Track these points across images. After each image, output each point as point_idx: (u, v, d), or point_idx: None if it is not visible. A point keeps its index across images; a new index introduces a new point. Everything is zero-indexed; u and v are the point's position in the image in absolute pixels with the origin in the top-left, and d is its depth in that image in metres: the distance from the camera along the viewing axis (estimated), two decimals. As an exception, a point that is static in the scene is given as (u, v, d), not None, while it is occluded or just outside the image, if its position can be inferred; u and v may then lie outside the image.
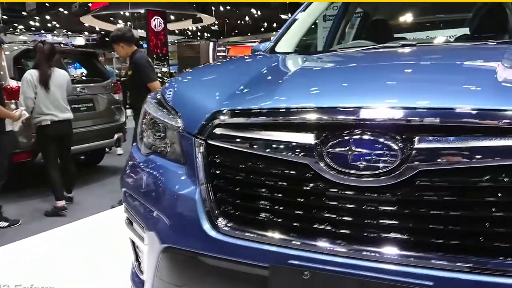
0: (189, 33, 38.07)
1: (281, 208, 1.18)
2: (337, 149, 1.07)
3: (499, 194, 0.97)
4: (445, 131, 1.01)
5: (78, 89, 5.43)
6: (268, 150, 1.17)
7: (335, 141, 1.08)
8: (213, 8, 28.86)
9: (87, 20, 28.47)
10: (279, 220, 1.18)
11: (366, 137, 1.05)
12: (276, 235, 1.16)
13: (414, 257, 1.02)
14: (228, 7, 29.42)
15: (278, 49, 2.53)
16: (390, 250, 1.04)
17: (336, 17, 3.86)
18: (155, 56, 22.19)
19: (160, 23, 23.03)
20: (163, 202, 1.37)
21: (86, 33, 33.34)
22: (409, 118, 1.03)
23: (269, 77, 1.54)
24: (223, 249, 1.22)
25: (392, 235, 1.05)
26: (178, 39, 38.77)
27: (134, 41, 4.56)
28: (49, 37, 31.76)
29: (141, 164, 1.54)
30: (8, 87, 4.63)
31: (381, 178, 1.04)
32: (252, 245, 1.18)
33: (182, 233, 1.30)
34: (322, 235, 1.11)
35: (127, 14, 28.15)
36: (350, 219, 1.09)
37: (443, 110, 1.02)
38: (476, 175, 0.99)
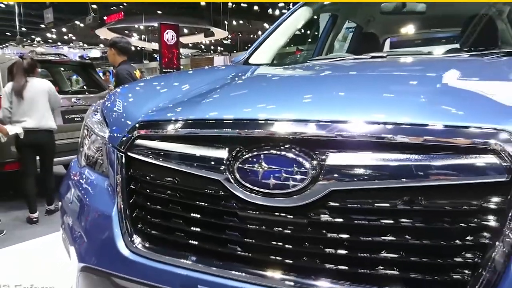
0: (203, 46, 38.47)
1: (194, 228, 1.09)
2: (247, 165, 0.98)
3: (413, 219, 0.87)
4: (358, 148, 0.91)
5: (73, 99, 5.44)
6: (182, 164, 1.09)
7: (245, 157, 0.99)
8: (226, 22, 29.16)
9: (102, 33, 29.03)
10: (191, 241, 1.09)
11: (276, 152, 0.96)
12: (187, 257, 1.07)
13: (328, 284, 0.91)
14: (241, 21, 29.68)
15: (252, 60, 2.47)
16: (303, 279, 0.94)
17: (324, 29, 3.80)
18: (165, 68, 22.49)
19: (172, 36, 23.33)
20: (83, 217, 1.29)
21: (101, 45, 33.94)
22: (320, 133, 0.93)
23: (209, 88, 1.46)
24: (137, 270, 1.13)
25: (304, 262, 0.95)
26: (191, 53, 39.23)
27: (126, 53, 4.58)
28: (65, 49, 32.47)
29: (73, 176, 1.47)
30: (1, 96, 4.65)
31: (291, 198, 0.94)
32: (165, 268, 1.09)
33: (98, 252, 1.22)
34: (233, 260, 1.02)
35: (141, 27, 28.63)
36: (261, 243, 1.00)
37: (356, 124, 0.92)
38: (393, 196, 0.89)
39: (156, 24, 24.35)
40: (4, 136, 4.02)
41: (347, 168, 0.90)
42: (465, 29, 2.64)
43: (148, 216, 1.16)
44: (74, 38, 32.16)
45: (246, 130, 1.01)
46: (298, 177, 0.93)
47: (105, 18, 25.40)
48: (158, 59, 25.28)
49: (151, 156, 1.15)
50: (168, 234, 1.12)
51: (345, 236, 0.92)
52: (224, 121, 1.06)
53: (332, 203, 0.92)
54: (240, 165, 0.99)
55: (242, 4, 26.44)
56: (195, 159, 1.07)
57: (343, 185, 0.91)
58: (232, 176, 1.00)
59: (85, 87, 6.47)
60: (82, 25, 25.13)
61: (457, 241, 0.85)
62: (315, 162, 0.92)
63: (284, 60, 2.91)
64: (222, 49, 38.88)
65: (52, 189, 4.60)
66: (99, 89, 5.91)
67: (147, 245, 1.13)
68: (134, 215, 1.17)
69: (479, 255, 0.83)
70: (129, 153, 1.20)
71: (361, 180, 0.89)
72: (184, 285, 1.05)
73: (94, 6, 23.01)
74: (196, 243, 1.07)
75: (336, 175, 0.91)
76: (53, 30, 29.17)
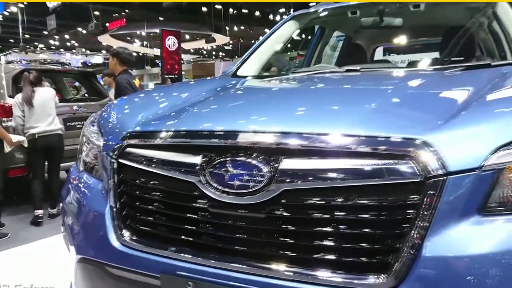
0: (204, 52, 38.75)
1: (173, 223, 1.28)
2: (217, 170, 1.17)
3: (350, 213, 1.06)
4: (305, 154, 1.10)
5: (75, 107, 5.65)
6: (164, 169, 1.28)
7: (215, 162, 1.18)
8: (227, 28, 29.45)
9: (105, 39, 29.35)
10: (171, 234, 1.28)
11: (240, 158, 1.15)
12: (168, 247, 1.26)
13: (280, 271, 1.10)
14: (242, 27, 29.93)
15: (240, 72, 2.65)
16: (260, 264, 1.13)
17: (313, 40, 3.99)
18: (167, 74, 22.73)
19: (174, 42, 23.61)
20: (80, 215, 1.49)
21: (104, 51, 34.27)
22: (274, 142, 1.13)
23: (193, 101, 1.66)
24: (125, 260, 1.32)
25: (262, 250, 1.14)
26: (193, 58, 39.51)
27: (127, 64, 4.81)
28: (68, 56, 32.78)
29: (72, 180, 1.66)
30: (6, 104, 4.88)
31: (251, 196, 1.13)
32: (149, 257, 1.28)
33: (93, 245, 1.41)
34: (204, 249, 1.21)
35: (143, 33, 28.95)
36: (227, 234, 1.19)
37: (304, 135, 1.12)
38: (332, 194, 1.08)
39: (158, 31, 24.69)
40: (8, 146, 4.29)
41: (296, 171, 1.09)
42: (445, 40, 2.84)
43: (135, 214, 1.35)
44: (76, 44, 32.51)
45: (216, 140, 1.21)
46: (257, 179, 1.12)
47: (107, 24, 25.74)
48: (160, 65, 25.53)
49: (138, 162, 1.34)
50: (152, 229, 1.31)
51: (295, 227, 1.11)
52: (199, 133, 1.26)
53: (284, 201, 1.11)
54: (211, 170, 1.18)
55: (243, 10, 26.68)
56: (175, 165, 1.26)
57: (293, 185, 1.09)
58: (204, 179, 1.19)
59: (86, 94, 6.69)
60: (84, 31, 25.42)
61: (383, 231, 1.03)
62: (270, 167, 1.11)
63: (272, 70, 3.09)
64: (223, 54, 39.16)
65: (56, 193, 4.83)
66: (100, 97, 6.12)
67: (134, 238, 1.32)
68: (123, 213, 1.37)
69: (399, 241, 1.01)
70: (120, 160, 1.39)
71: (307, 181, 1.08)
72: (164, 272, 1.24)
73: (97, 13, 23.36)
74: (175, 236, 1.27)
75: (287, 177, 1.10)
76: (56, 36, 29.51)
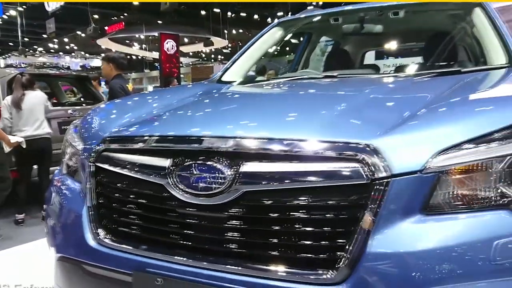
0: (203, 55, 38.89)
1: (145, 223, 1.36)
2: (184, 173, 1.25)
3: (303, 212, 1.14)
4: (263, 158, 1.18)
5: (69, 111, 5.74)
6: (136, 172, 1.36)
7: (182, 166, 1.26)
8: (225, 32, 29.59)
9: (104, 43, 29.46)
10: (143, 233, 1.36)
11: (204, 162, 1.23)
12: (139, 246, 1.34)
13: (239, 267, 1.18)
14: (240, 30, 30.05)
15: (225, 77, 2.74)
16: (221, 260, 1.21)
17: (300, 46, 4.08)
18: (165, 77, 22.83)
19: (172, 46, 23.73)
20: (61, 216, 1.57)
21: (103, 54, 34.34)
22: (234, 147, 1.21)
23: (171, 108, 1.74)
24: (101, 258, 1.40)
25: (224, 248, 1.22)
26: (192, 61, 39.63)
27: (121, 69, 4.87)
28: (67, 59, 32.90)
29: (55, 182, 1.74)
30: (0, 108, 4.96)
31: (214, 197, 1.21)
32: (122, 255, 1.36)
33: (71, 244, 1.49)
34: (172, 247, 1.29)
35: (142, 37, 29.09)
36: (193, 233, 1.27)
37: (262, 140, 1.20)
38: (287, 195, 1.16)
39: (156, 34, 24.82)
40: (7, 146, 4.34)
41: (255, 174, 1.18)
42: (426, 46, 2.93)
43: (111, 214, 1.43)
44: (75, 48, 32.65)
45: (182, 145, 1.29)
46: (220, 181, 1.20)
47: (106, 28, 25.86)
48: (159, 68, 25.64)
49: (113, 166, 1.42)
50: (126, 228, 1.39)
51: (254, 227, 1.19)
52: (167, 138, 1.34)
53: (244, 201, 1.19)
54: (178, 173, 1.26)
55: (241, 14, 26.80)
56: (146, 168, 1.34)
57: (252, 187, 1.18)
58: (172, 181, 1.27)
59: (82, 99, 6.78)
60: (83, 35, 25.54)
61: (333, 229, 1.11)
62: (232, 170, 1.20)
63: (257, 76, 3.17)
64: (222, 57, 39.29)
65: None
66: (94, 101, 6.21)
67: (109, 237, 1.40)
68: (99, 213, 1.45)
69: (348, 239, 1.09)
70: (97, 163, 1.47)
71: (265, 183, 1.16)
72: (136, 269, 1.32)
73: (96, 16, 23.47)
74: (147, 235, 1.35)
75: (247, 180, 1.18)
76: (55, 40, 29.62)
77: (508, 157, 1.10)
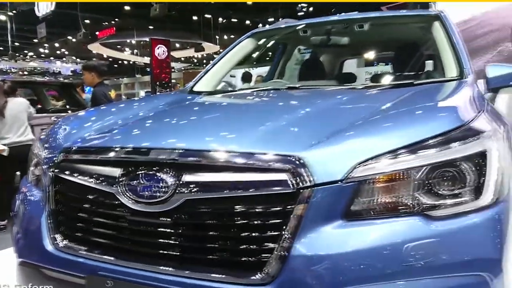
0: (195, 60, 39.01)
1: (97, 229, 1.45)
2: (131, 182, 1.35)
3: (237, 219, 1.24)
4: (202, 169, 1.28)
5: (53, 118, 5.80)
6: (91, 181, 1.45)
7: (130, 176, 1.36)
8: (217, 37, 29.75)
9: (95, 48, 29.48)
10: (96, 238, 1.45)
11: (149, 172, 1.33)
12: (92, 251, 1.43)
13: (181, 269, 1.28)
14: (232, 36, 30.21)
15: (197, 87, 2.84)
16: (166, 264, 1.30)
17: (276, 55, 4.20)
18: (158, 83, 22.93)
19: (164, 51, 23.82)
20: (22, 223, 1.65)
21: (94, 59, 34.31)
22: (176, 159, 1.31)
23: (130, 119, 1.83)
24: (57, 262, 1.49)
25: (167, 252, 1.32)
26: (184, 67, 39.70)
27: (103, 76, 4.97)
28: (58, 64, 32.83)
29: (21, 190, 1.83)
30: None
31: (159, 205, 1.31)
32: (77, 259, 1.45)
33: (31, 249, 1.58)
34: (121, 252, 1.38)
35: (133, 42, 29.16)
36: (140, 238, 1.36)
37: (202, 152, 1.30)
38: (224, 203, 1.26)
39: (147, 39, 24.90)
40: None
41: (195, 184, 1.27)
42: (391, 57, 3.06)
43: (67, 221, 1.52)
44: (67, 52, 32.59)
45: (132, 156, 1.39)
46: (163, 190, 1.30)
47: (97, 33, 25.89)
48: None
49: (70, 175, 1.52)
50: (80, 234, 1.49)
51: (193, 232, 1.29)
52: (118, 149, 1.43)
53: (185, 209, 1.29)
54: (127, 182, 1.36)
55: (232, 20, 26.96)
56: (99, 177, 1.44)
57: (193, 195, 1.27)
58: (121, 190, 1.36)
59: (67, 105, 6.86)
60: (74, 40, 25.52)
61: (263, 234, 1.21)
62: (174, 180, 1.29)
63: (225, 86, 3.26)
64: (214, 62, 39.34)
65: None
66: (79, 107, 6.28)
67: (65, 242, 1.49)
68: (57, 220, 1.53)
69: (275, 243, 1.19)
70: (56, 172, 1.56)
71: (204, 192, 1.26)
72: (89, 272, 1.41)
73: (87, 21, 23.50)
74: (99, 240, 1.44)
75: (188, 189, 1.28)
76: (46, 45, 29.58)
77: (424, 168, 1.22)
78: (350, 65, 4.50)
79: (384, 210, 1.21)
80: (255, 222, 1.22)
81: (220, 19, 26.58)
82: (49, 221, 1.53)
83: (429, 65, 2.85)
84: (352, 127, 1.38)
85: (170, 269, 1.29)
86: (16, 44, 28.76)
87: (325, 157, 1.23)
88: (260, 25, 27.07)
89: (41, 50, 32.42)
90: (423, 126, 1.35)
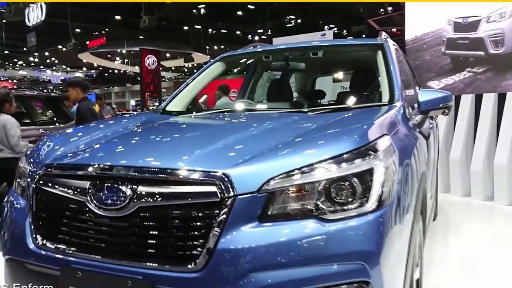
0: (186, 70, 39.43)
1: (71, 230, 1.80)
2: (98, 192, 1.70)
3: (176, 222, 1.60)
4: (151, 182, 1.64)
5: (41, 130, 6.11)
6: (66, 192, 1.80)
7: (97, 187, 1.71)
8: (207, 47, 30.23)
9: (85, 57, 29.75)
10: (70, 238, 1.79)
11: (111, 185, 1.68)
12: (66, 248, 1.77)
13: (135, 261, 1.63)
14: (222, 46, 30.67)
15: (169, 107, 3.18)
16: (123, 258, 1.65)
17: (247, 76, 4.55)
18: (148, 92, 23.29)
19: (153, 61, 24.18)
20: (10, 226, 1.99)
21: (84, 68, 34.55)
22: (131, 174, 1.66)
23: (103, 139, 2.18)
24: (38, 258, 1.82)
25: (124, 248, 1.67)
26: (174, 76, 40.04)
27: (86, 91, 5.27)
28: (48, 72, 32.97)
29: (9, 199, 2.16)
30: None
31: (118, 211, 1.65)
32: (54, 255, 1.79)
33: (15, 247, 1.92)
34: (89, 248, 1.72)
35: (123, 51, 29.52)
36: (104, 237, 1.71)
37: (151, 169, 1.66)
38: (166, 209, 1.61)
39: (137, 49, 25.24)
40: None
41: (146, 194, 1.62)
42: (344, 80, 3.44)
43: (46, 224, 1.87)
44: (57, 61, 32.85)
45: (98, 171, 1.74)
46: (122, 199, 1.65)
47: (87, 43, 26.19)
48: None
49: (50, 187, 1.86)
50: (57, 234, 1.83)
51: (144, 232, 1.64)
52: (88, 166, 1.78)
53: (139, 214, 1.64)
54: (94, 192, 1.71)
55: (222, 30, 27.39)
56: (73, 189, 1.78)
57: (144, 203, 1.62)
58: (90, 199, 1.71)
59: (55, 118, 7.16)
60: (64, 49, 25.79)
61: (196, 233, 1.57)
62: (131, 191, 1.64)
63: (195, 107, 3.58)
64: (204, 72, 39.72)
65: None
66: (66, 120, 6.61)
67: (44, 241, 1.83)
68: (38, 223, 1.87)
69: (205, 240, 1.55)
70: (38, 185, 1.90)
71: (153, 200, 1.61)
72: (63, 265, 1.75)
73: (78, 30, 23.80)
74: (72, 239, 1.78)
75: (140, 198, 1.63)
76: (36, 53, 29.80)
77: (323, 181, 1.58)
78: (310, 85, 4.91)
79: (291, 214, 1.57)
80: (191, 224, 1.58)
81: (210, 29, 27.04)
82: (31, 224, 1.87)
83: (374, 89, 3.21)
84: (275, 148, 1.74)
85: (126, 261, 1.64)
86: (6, 52, 28.95)
87: (245, 173, 1.59)
88: (249, 36, 27.67)
89: (31, 58, 32.64)
90: (329, 147, 1.71)
